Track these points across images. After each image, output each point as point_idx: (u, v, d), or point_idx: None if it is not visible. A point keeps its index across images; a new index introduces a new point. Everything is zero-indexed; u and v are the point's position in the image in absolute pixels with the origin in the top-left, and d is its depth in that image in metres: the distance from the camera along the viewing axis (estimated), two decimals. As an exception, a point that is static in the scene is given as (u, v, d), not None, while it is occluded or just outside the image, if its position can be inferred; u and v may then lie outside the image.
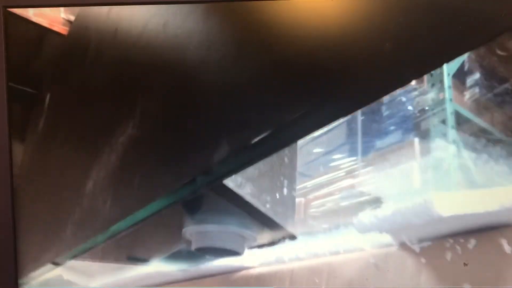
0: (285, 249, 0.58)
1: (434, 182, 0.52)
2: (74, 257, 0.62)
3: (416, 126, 0.54)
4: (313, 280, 0.55)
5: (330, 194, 0.57)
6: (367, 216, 0.53)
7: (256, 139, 0.53)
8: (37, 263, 0.62)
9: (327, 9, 0.51)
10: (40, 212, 0.63)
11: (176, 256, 0.62)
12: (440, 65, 0.52)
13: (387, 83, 0.52)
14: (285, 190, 0.57)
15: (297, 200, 0.58)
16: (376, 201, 0.54)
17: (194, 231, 0.57)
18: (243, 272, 0.59)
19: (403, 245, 0.53)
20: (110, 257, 0.63)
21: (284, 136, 0.54)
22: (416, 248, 0.52)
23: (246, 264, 0.59)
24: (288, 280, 0.56)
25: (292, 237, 0.57)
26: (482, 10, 0.49)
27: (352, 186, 0.56)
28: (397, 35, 0.50)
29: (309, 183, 0.57)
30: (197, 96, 0.55)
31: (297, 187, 0.58)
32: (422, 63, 0.51)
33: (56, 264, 0.63)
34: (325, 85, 0.52)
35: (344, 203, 0.56)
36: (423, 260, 0.51)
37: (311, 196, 0.57)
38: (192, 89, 0.55)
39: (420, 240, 0.52)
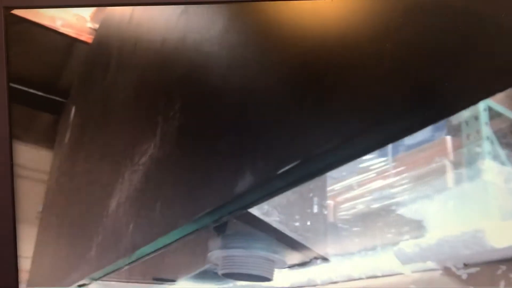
0: (317, 271, 0.55)
1: (472, 192, 0.48)
2: (99, 279, 0.60)
3: (448, 123, 0.50)
4: (348, 306, 0.51)
5: (360, 196, 0.53)
6: (409, 245, 0.49)
7: (282, 170, 0.50)
8: (63, 283, 0.61)
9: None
10: (65, 231, 0.62)
11: (203, 276, 0.59)
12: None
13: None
14: (315, 209, 0.54)
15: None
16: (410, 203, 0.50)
17: (220, 256, 0.55)
18: (274, 295, 0.56)
19: (448, 270, 0.48)
20: (136, 278, 0.61)
21: (312, 167, 0.51)
22: (463, 274, 0.48)
23: (275, 285, 0.56)
24: (321, 306, 0.53)
25: (325, 259, 0.54)
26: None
27: (383, 188, 0.52)
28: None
29: (338, 185, 0.54)
30: (223, 118, 0.52)
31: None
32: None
33: (82, 286, 0.62)
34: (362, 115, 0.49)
35: (375, 205, 0.52)
36: (471, 288, 0.47)
37: (340, 199, 0.54)
38: (219, 110, 0.53)
39: (468, 266, 0.48)
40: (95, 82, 0.58)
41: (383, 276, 0.51)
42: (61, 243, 0.63)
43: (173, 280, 0.60)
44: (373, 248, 0.53)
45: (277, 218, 0.53)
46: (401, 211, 0.52)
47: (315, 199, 0.54)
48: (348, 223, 0.53)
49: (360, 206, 0.53)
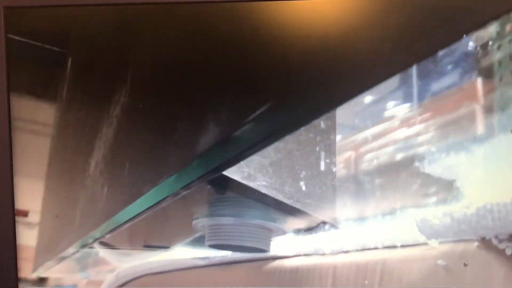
0: (326, 238, 0.46)
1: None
2: (86, 246, 0.56)
3: (479, 64, 0.41)
4: (362, 281, 0.43)
5: (383, 146, 0.45)
6: (437, 215, 0.39)
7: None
8: (52, 253, 0.58)
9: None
10: (57, 191, 0.59)
11: (198, 242, 0.53)
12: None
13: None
14: (321, 167, 0.44)
15: (347, 154, 0.45)
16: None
17: (206, 224, 0.47)
18: (276, 263, 0.49)
19: (486, 243, 0.38)
20: (125, 245, 0.56)
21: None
22: (507, 249, 0.37)
23: (278, 254, 0.49)
24: (331, 279, 0.45)
25: (333, 224, 0.45)
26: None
27: (408, 137, 0.43)
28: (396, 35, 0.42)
29: (360, 135, 0.46)
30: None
31: (347, 140, 0.45)
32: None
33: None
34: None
35: (400, 156, 0.43)
36: (516, 267, 0.37)
37: (362, 150, 0.45)
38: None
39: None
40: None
41: (402, 246, 0.42)
42: (54, 206, 0.60)
43: (166, 247, 0.54)
44: (392, 212, 0.43)
45: (264, 183, 0.44)
46: (428, 167, 0.41)
47: (321, 155, 0.44)
48: (370, 176, 0.44)
49: (383, 157, 0.44)
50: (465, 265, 0.38)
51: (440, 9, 0.43)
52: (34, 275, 0.69)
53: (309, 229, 0.47)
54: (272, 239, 0.47)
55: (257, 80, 0.45)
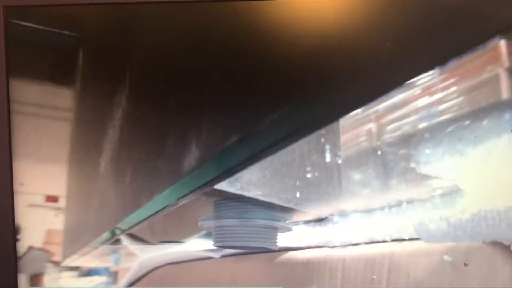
0: (335, 230, 0.48)
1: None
2: (111, 239, 0.59)
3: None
4: (370, 276, 0.44)
5: (406, 115, 0.44)
6: (434, 220, 0.39)
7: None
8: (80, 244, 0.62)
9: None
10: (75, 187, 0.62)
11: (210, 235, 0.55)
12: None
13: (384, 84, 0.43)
14: (327, 159, 0.45)
15: (368, 126, 0.46)
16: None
17: (211, 226, 0.49)
18: (288, 255, 0.50)
19: (494, 242, 0.39)
20: (141, 242, 0.59)
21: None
22: (512, 245, 0.38)
23: (288, 245, 0.50)
24: (340, 272, 0.46)
25: (342, 216, 0.46)
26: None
27: (430, 104, 0.43)
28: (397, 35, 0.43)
29: (381, 105, 0.46)
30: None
31: (368, 112, 0.46)
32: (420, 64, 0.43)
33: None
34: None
35: (423, 125, 0.43)
36: (521, 264, 0.37)
37: (384, 120, 0.45)
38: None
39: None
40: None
41: (410, 239, 0.43)
42: (81, 195, 0.64)
43: (180, 242, 0.56)
44: (398, 204, 0.44)
45: (259, 192, 0.45)
46: (426, 167, 0.41)
47: (326, 148, 0.45)
48: (394, 147, 0.44)
49: (405, 126, 0.44)
50: (465, 264, 0.39)
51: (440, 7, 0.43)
52: (64, 264, 0.72)
53: (319, 221, 0.48)
54: (277, 237, 0.49)
55: (261, 84, 0.46)
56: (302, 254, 0.49)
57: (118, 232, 0.62)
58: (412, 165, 0.42)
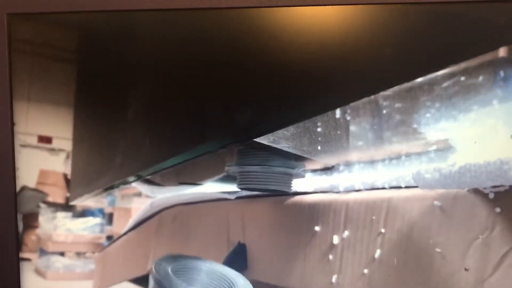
0: (340, 177, 0.56)
1: None
2: (126, 183, 0.65)
3: None
4: (370, 217, 0.53)
5: None
6: (429, 170, 0.48)
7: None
8: (91, 188, 0.67)
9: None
10: (95, 134, 0.66)
11: (227, 178, 0.62)
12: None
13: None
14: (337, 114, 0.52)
15: None
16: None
17: (236, 171, 0.56)
18: (297, 198, 0.58)
19: (475, 189, 0.48)
20: (162, 183, 0.65)
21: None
22: (491, 193, 0.47)
23: (298, 190, 0.58)
24: (343, 214, 0.55)
25: (347, 165, 0.54)
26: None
27: None
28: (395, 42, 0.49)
29: None
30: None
31: None
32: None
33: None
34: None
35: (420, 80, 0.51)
36: (497, 209, 0.46)
37: None
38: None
39: (496, 185, 0.46)
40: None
41: (406, 187, 0.52)
42: (92, 147, 0.68)
43: (199, 184, 0.63)
44: (398, 157, 0.52)
45: (286, 145, 0.52)
46: (425, 127, 0.49)
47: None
48: (389, 100, 0.52)
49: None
50: (466, 270, 0.47)
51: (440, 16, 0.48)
52: (70, 204, 0.77)
53: (326, 170, 0.56)
54: (292, 182, 0.57)
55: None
56: (310, 198, 0.57)
57: (136, 178, 0.68)
58: (412, 124, 0.50)
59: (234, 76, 0.53)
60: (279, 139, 0.54)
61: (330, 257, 0.55)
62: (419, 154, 0.51)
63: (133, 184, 0.71)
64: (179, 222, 0.69)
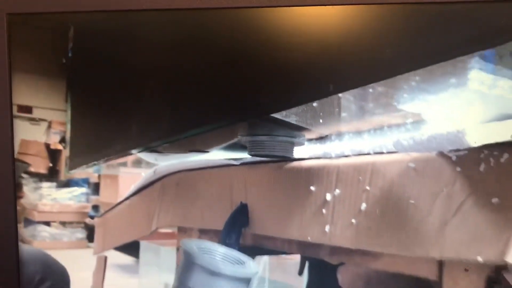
0: (332, 145, 0.67)
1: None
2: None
3: None
4: (357, 177, 0.65)
5: None
6: (405, 139, 0.61)
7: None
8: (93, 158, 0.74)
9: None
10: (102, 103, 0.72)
11: (232, 147, 0.72)
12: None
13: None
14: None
15: None
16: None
17: (248, 140, 0.67)
18: (294, 164, 0.70)
19: (441, 153, 0.61)
20: (172, 150, 0.73)
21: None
22: (453, 156, 0.60)
23: (296, 156, 0.69)
24: (335, 176, 0.66)
25: (339, 135, 0.66)
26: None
27: None
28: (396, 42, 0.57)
29: None
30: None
31: None
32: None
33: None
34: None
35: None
36: (458, 168, 0.60)
37: None
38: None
39: (458, 149, 0.60)
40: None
41: (388, 153, 0.64)
42: (98, 115, 0.73)
43: (206, 151, 0.72)
44: (381, 128, 0.65)
45: (295, 119, 0.64)
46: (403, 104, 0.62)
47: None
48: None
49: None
50: (465, 270, 0.60)
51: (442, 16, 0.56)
52: (68, 174, 0.81)
53: (321, 138, 0.67)
54: (294, 149, 0.68)
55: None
56: (306, 163, 0.68)
57: (144, 148, 0.75)
58: (393, 102, 0.63)
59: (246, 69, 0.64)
60: (290, 114, 0.65)
61: (324, 211, 0.66)
62: (398, 125, 0.64)
63: (137, 153, 0.77)
64: (183, 186, 0.78)
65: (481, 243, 0.57)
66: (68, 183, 0.89)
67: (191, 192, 0.77)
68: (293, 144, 0.68)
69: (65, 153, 0.79)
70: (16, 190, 0.65)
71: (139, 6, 0.58)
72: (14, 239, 0.65)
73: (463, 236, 0.58)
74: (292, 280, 0.72)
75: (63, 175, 0.86)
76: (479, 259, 0.57)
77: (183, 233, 0.75)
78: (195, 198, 0.76)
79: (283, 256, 0.69)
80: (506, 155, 0.57)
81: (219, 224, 0.72)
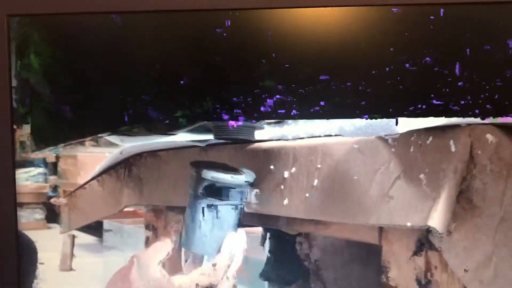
0: (288, 129, 0.77)
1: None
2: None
3: None
4: (310, 157, 0.76)
5: None
6: (348, 125, 0.73)
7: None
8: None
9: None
10: None
11: (198, 129, 0.79)
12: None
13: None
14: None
15: None
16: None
17: (212, 125, 0.75)
18: (255, 145, 0.79)
19: (380, 136, 0.73)
20: (140, 133, 0.79)
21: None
22: (389, 139, 0.73)
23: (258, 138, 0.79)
24: (291, 156, 0.77)
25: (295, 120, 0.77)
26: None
27: None
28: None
29: None
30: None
31: None
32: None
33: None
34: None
35: None
36: (393, 149, 0.72)
37: None
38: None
39: (393, 133, 0.73)
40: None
41: (335, 135, 0.76)
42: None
43: (173, 134, 0.79)
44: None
45: None
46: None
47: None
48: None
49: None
50: (465, 270, 0.71)
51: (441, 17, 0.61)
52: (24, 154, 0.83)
53: (278, 123, 0.77)
54: (255, 133, 0.77)
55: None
56: (266, 145, 0.78)
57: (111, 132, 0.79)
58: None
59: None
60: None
61: (282, 187, 0.77)
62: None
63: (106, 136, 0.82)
64: (149, 166, 0.84)
65: (410, 211, 0.69)
66: (23, 164, 0.90)
67: (157, 173, 0.83)
68: (254, 128, 0.77)
69: (19, 132, 0.81)
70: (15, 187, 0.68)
71: (140, 7, 0.62)
72: (14, 236, 0.68)
73: (396, 205, 0.70)
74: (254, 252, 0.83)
75: (18, 156, 0.87)
76: (408, 224, 0.70)
77: (151, 211, 0.82)
78: (161, 178, 0.83)
79: (246, 229, 0.78)
80: (431, 138, 0.70)
81: (184, 201, 0.80)
